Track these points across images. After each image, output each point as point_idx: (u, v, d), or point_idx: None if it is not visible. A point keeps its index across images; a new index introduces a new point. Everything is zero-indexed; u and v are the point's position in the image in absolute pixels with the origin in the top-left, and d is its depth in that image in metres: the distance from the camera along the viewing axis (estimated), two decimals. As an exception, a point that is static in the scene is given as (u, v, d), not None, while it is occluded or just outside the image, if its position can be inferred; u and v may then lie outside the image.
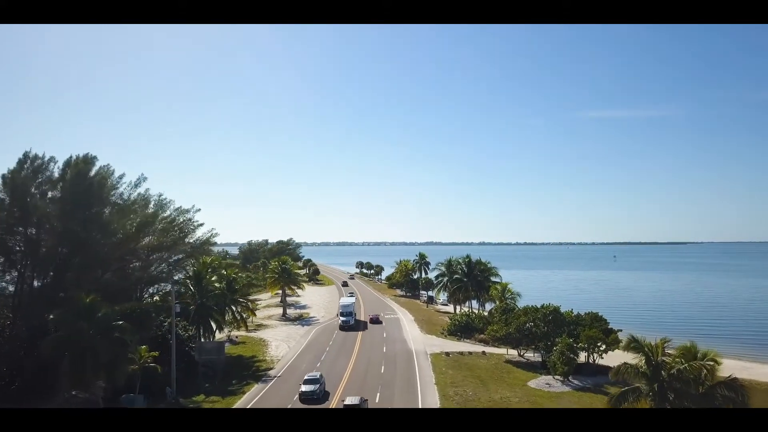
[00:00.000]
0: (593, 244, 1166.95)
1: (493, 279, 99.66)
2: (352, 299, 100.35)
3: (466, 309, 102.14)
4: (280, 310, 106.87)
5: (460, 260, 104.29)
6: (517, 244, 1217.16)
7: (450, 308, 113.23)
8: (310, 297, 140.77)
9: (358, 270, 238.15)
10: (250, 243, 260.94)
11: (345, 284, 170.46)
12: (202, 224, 74.80)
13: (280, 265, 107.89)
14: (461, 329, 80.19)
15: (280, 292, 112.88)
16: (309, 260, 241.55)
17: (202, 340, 60.57)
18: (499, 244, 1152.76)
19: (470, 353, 66.92)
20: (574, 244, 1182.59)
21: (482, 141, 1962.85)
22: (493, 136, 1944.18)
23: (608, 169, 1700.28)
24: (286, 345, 75.05)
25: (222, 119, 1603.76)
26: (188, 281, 64.40)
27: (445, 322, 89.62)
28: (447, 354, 65.69)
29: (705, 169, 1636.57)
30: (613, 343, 59.64)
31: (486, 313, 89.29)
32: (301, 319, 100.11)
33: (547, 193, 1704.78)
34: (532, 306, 67.56)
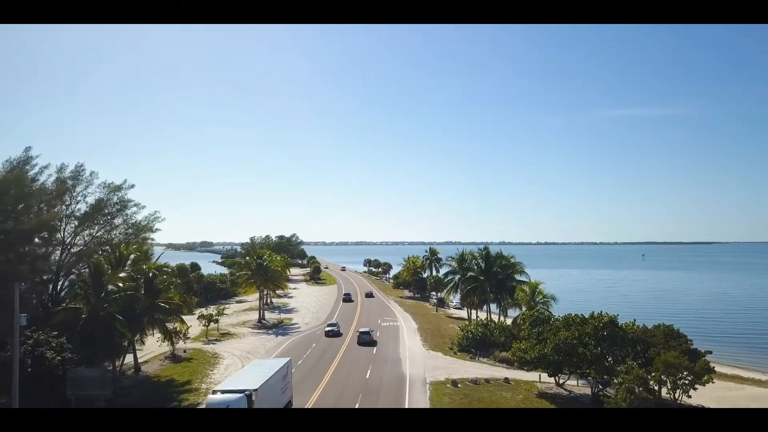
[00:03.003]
0: (615, 243, 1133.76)
1: (517, 278, 78.64)
2: (266, 373, 35.35)
3: (484, 315, 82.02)
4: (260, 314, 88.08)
5: (475, 254, 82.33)
6: (538, 243, 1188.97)
7: (464, 313, 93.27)
8: (304, 298, 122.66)
9: (366, 268, 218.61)
10: (252, 239, 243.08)
11: (348, 298, 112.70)
12: (143, 206, 56.81)
13: (255, 261, 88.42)
14: (476, 344, 60.53)
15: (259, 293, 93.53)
16: (312, 257, 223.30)
17: (117, 365, 41.81)
18: (519, 243, 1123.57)
19: (487, 381, 47.46)
20: (596, 243, 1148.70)
21: (503, 141, 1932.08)
22: (514, 135, 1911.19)
23: (628, 169, 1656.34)
24: (241, 364, 56.19)
25: (242, 120, 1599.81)
26: (82, 279, 45.79)
27: (456, 332, 69.94)
28: (454, 383, 46.26)
29: (728, 168, 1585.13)
30: (703, 373, 39.76)
31: (509, 322, 69.37)
32: (279, 327, 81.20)
33: (567, 193, 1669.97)
34: (576, 315, 47.52)
